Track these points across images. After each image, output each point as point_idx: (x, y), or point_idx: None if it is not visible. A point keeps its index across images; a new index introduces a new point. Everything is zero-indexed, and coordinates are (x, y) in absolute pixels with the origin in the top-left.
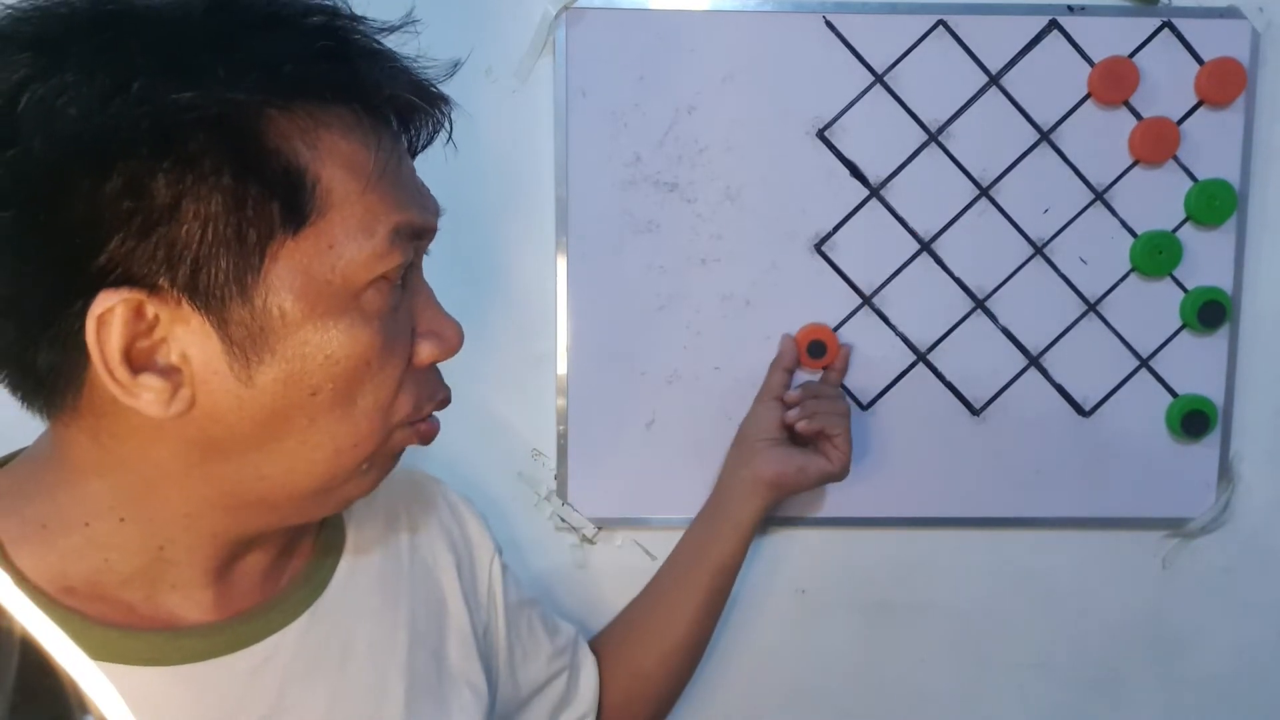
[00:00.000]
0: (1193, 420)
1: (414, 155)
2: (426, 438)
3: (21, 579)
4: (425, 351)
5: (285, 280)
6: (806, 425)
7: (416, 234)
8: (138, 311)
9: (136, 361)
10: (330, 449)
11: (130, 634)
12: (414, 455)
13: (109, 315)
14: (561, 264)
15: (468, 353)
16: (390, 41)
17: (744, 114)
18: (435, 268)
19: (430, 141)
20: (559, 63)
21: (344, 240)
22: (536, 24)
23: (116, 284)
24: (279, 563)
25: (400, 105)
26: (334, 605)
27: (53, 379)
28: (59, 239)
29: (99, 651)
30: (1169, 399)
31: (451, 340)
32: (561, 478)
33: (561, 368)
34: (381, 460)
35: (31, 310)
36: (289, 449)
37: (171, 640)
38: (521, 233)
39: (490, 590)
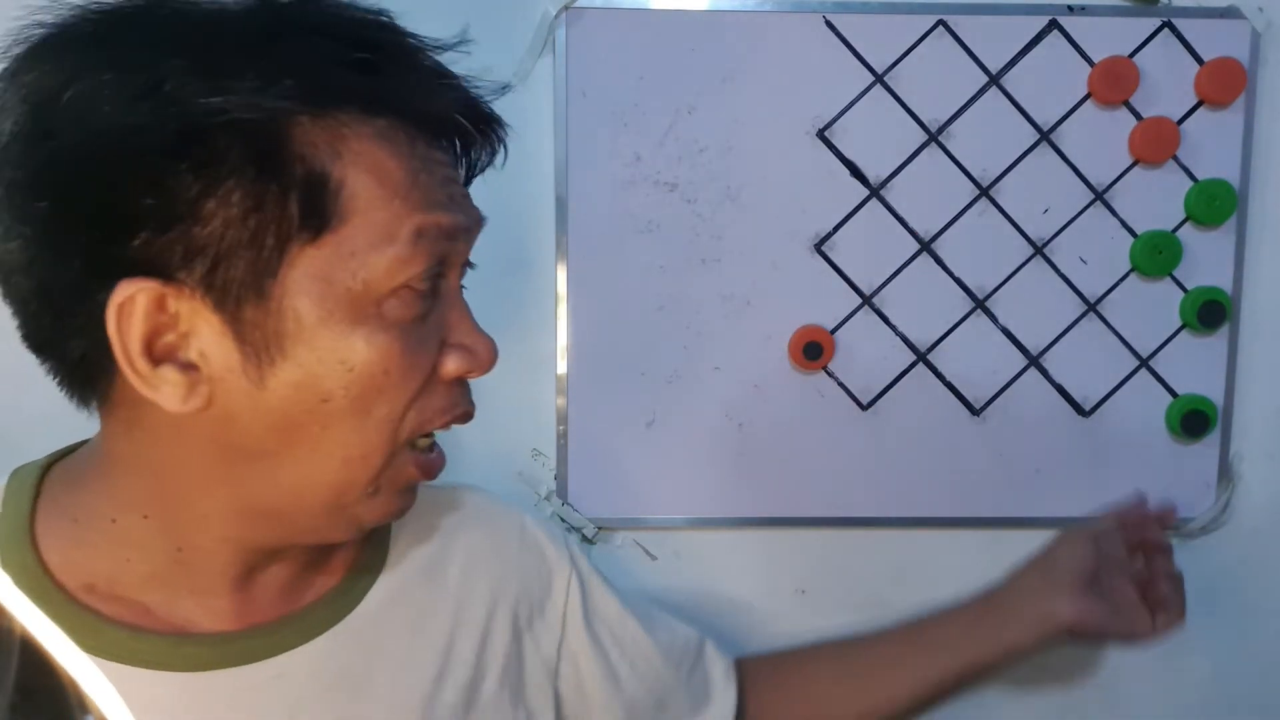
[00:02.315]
0: (1193, 420)
1: (470, 178)
2: (429, 470)
3: (44, 572)
4: (452, 365)
5: (303, 285)
6: (1169, 593)
7: (446, 236)
8: (159, 305)
9: (157, 354)
10: (340, 458)
11: (141, 636)
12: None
13: (130, 305)
14: (561, 264)
15: None
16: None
17: (744, 114)
18: (475, 264)
19: (489, 163)
20: (559, 63)
21: (366, 248)
22: (536, 24)
23: (138, 274)
24: (303, 578)
25: (449, 125)
26: (359, 629)
27: (85, 368)
28: (86, 229)
29: (109, 651)
30: (1169, 399)
31: (482, 356)
32: (561, 478)
33: (561, 368)
34: (389, 485)
35: (63, 298)
36: (301, 456)
37: (181, 646)
38: (521, 233)
39: (567, 612)
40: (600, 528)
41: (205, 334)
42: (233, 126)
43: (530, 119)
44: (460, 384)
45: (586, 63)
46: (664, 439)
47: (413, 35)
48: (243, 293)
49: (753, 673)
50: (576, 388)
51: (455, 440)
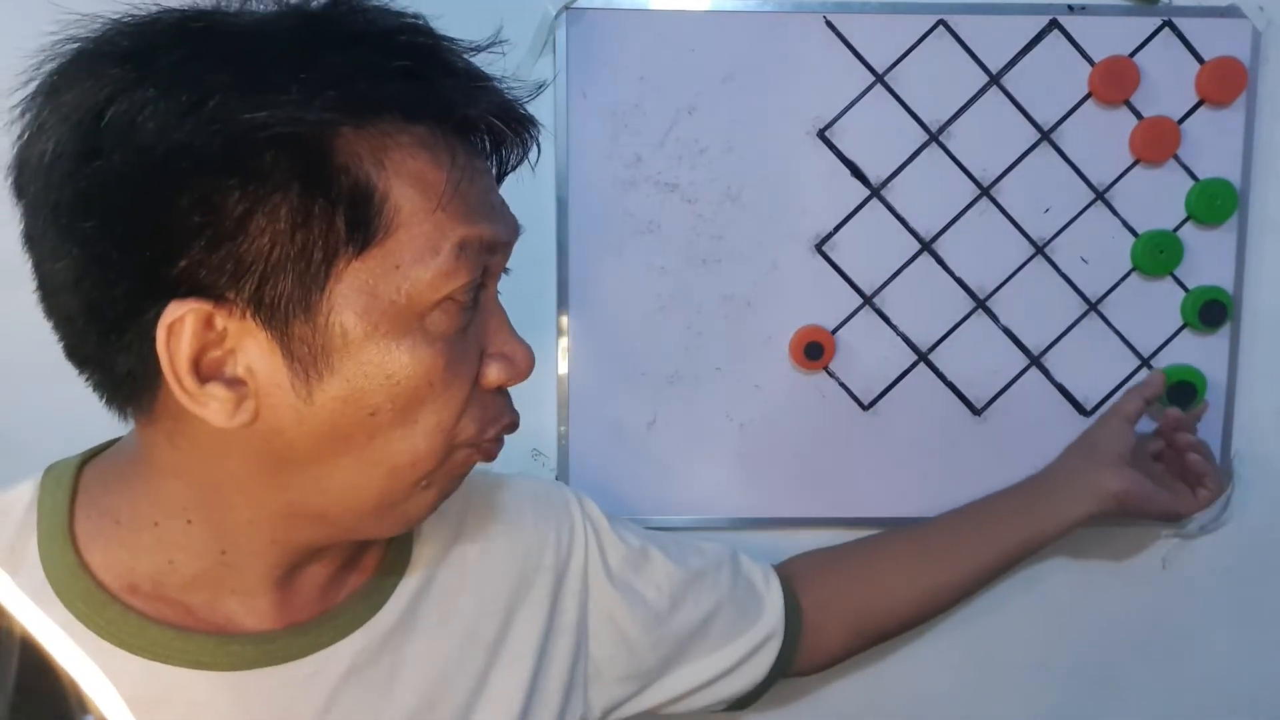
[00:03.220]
0: (1180, 390)
1: (502, 177)
2: (490, 456)
3: (86, 571)
4: (493, 374)
5: (349, 299)
6: (1198, 461)
7: (487, 249)
8: (207, 323)
9: (205, 371)
10: (387, 466)
11: (184, 635)
12: None
13: (179, 325)
14: (561, 264)
15: None
16: (480, 63)
17: (744, 114)
18: (510, 269)
19: (520, 162)
20: (559, 63)
21: (411, 260)
22: (536, 24)
23: (187, 295)
24: (340, 576)
25: (482, 125)
26: (391, 623)
27: (130, 383)
28: (135, 249)
29: (154, 651)
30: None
31: (521, 365)
32: (562, 478)
33: (562, 368)
34: (442, 479)
35: (111, 317)
36: (348, 465)
37: (223, 645)
38: (522, 233)
39: (588, 570)
40: None
41: (252, 350)
42: (278, 140)
43: None
44: (503, 392)
45: (586, 63)
46: (665, 439)
47: (448, 38)
48: (290, 308)
49: (798, 572)
50: (577, 388)
51: None
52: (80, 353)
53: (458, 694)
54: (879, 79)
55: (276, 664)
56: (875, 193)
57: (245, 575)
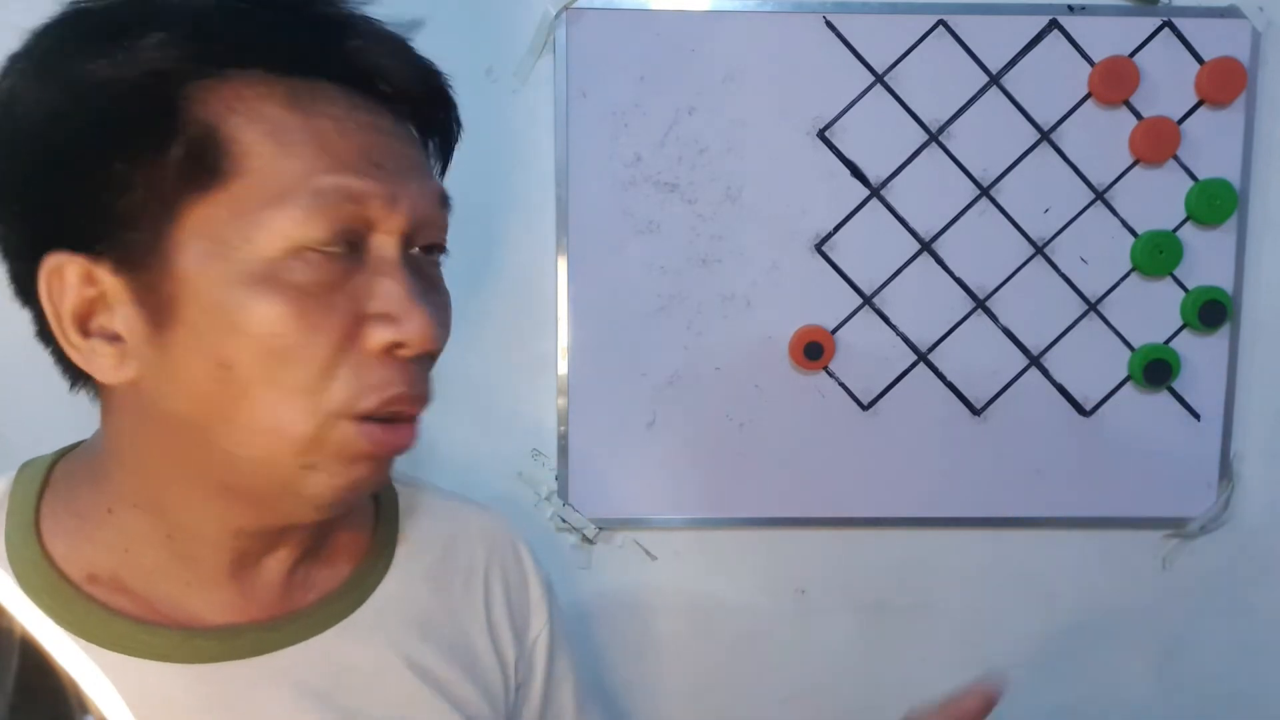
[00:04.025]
0: (1156, 368)
1: (446, 147)
2: (384, 446)
3: (50, 564)
4: (374, 336)
5: (192, 244)
6: None
7: (353, 200)
8: (88, 278)
9: (93, 330)
10: (258, 431)
11: (146, 628)
12: (411, 455)
13: (57, 278)
14: (561, 264)
15: (469, 353)
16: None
17: (744, 114)
18: (446, 250)
19: (446, 129)
20: (559, 63)
21: (259, 206)
22: (536, 24)
23: (63, 248)
24: (304, 572)
25: (354, 70)
26: (365, 627)
27: (55, 349)
28: (16, 211)
29: (113, 643)
30: (1170, 399)
31: (409, 327)
32: (562, 478)
33: (561, 368)
34: (329, 461)
35: (19, 282)
36: (227, 431)
37: (187, 639)
38: (521, 233)
39: (532, 658)
40: (600, 528)
41: (123, 304)
42: (118, 91)
43: (530, 119)
44: (400, 363)
45: (586, 63)
46: (664, 439)
47: None
48: (142, 256)
49: None
50: (577, 388)
51: (456, 440)
52: (37, 328)
53: (432, 708)
54: (879, 79)
55: (243, 658)
56: (875, 193)
57: (196, 564)
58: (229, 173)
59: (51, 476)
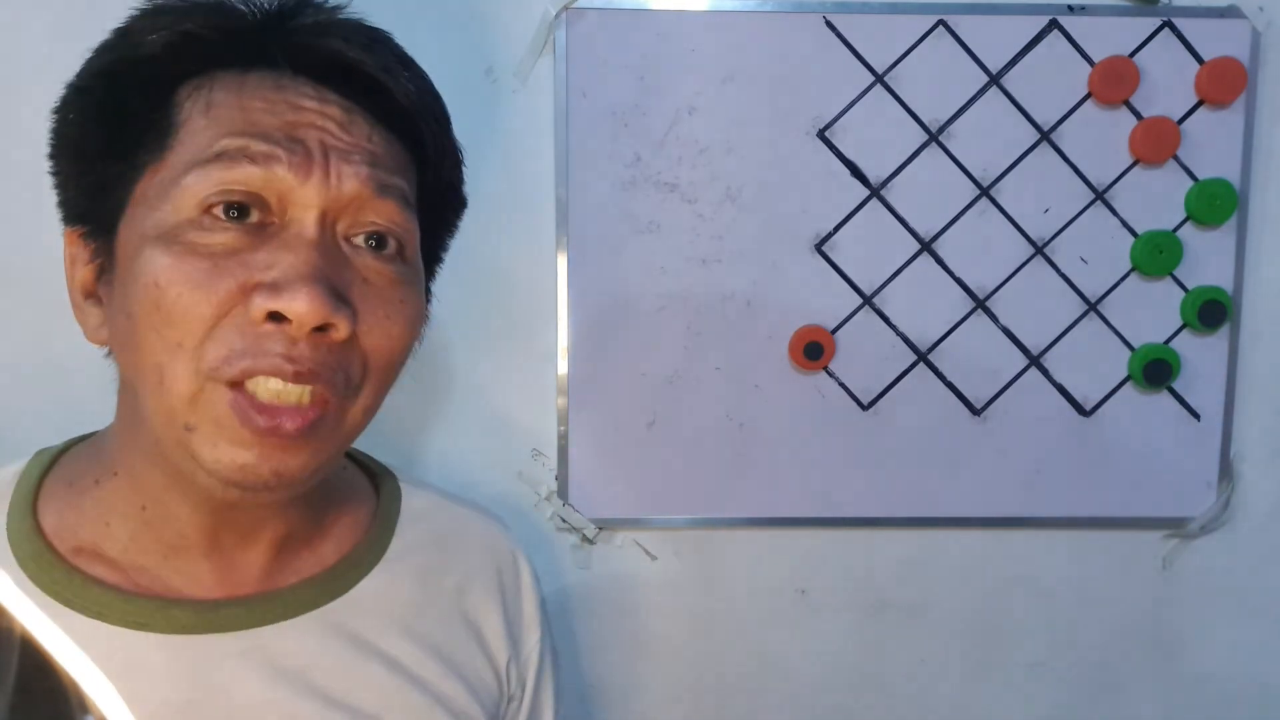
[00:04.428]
0: (1156, 368)
1: (413, 141)
2: (245, 417)
3: (39, 534)
4: (255, 304)
5: (133, 211)
6: None
7: (258, 160)
8: (89, 248)
9: (90, 295)
10: (153, 383)
11: (124, 596)
12: (411, 455)
13: (72, 248)
14: (562, 264)
15: (468, 353)
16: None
17: (744, 114)
18: (386, 241)
19: (418, 131)
20: (559, 63)
21: (181, 169)
22: (536, 24)
23: (76, 223)
24: (287, 556)
25: (308, 62)
26: (346, 616)
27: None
28: (59, 191)
29: (91, 609)
30: (1170, 399)
31: (288, 298)
32: (562, 478)
33: (561, 368)
34: (206, 425)
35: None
36: (138, 384)
37: (164, 609)
38: (521, 233)
39: (525, 673)
40: (600, 528)
41: (91, 268)
42: (104, 79)
43: (530, 119)
44: (284, 334)
45: (586, 63)
46: (664, 439)
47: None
48: (106, 226)
49: None
50: (577, 388)
51: (456, 440)
52: None
53: (417, 707)
54: (879, 79)
55: (218, 632)
56: (875, 193)
57: (168, 534)
58: (170, 147)
59: (62, 458)
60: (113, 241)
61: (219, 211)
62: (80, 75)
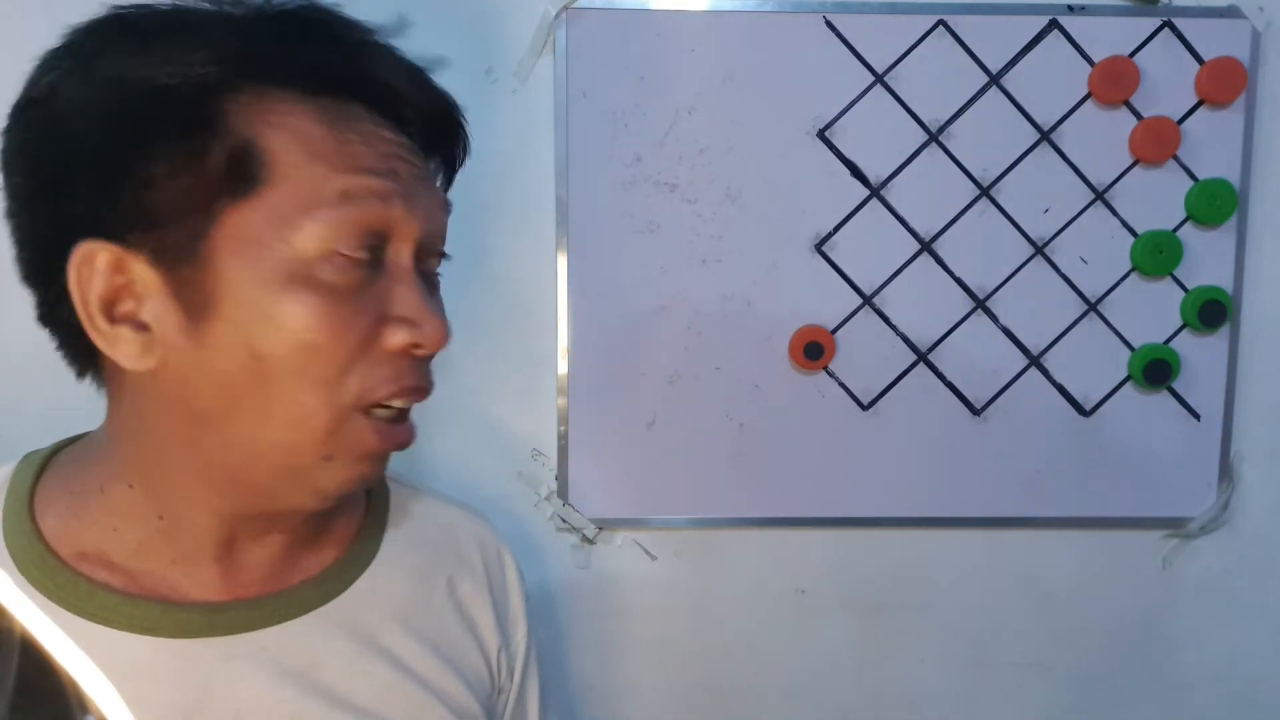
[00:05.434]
0: (1156, 368)
1: (451, 166)
2: (389, 441)
3: (40, 539)
4: (396, 337)
5: (232, 245)
6: None
7: (378, 199)
8: (118, 267)
9: (117, 316)
10: (282, 420)
11: (129, 600)
12: (412, 455)
13: (88, 266)
14: (562, 264)
15: (469, 353)
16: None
17: (744, 114)
18: (449, 255)
19: (454, 148)
20: (559, 63)
21: (294, 211)
22: (536, 24)
23: (96, 237)
24: (292, 556)
25: (390, 98)
26: (346, 614)
27: (74, 338)
28: (49, 197)
29: (101, 615)
30: (1170, 399)
31: (426, 330)
32: (562, 478)
33: (561, 368)
34: (344, 452)
35: (45, 269)
36: (248, 418)
37: (169, 612)
38: (521, 233)
39: (511, 663)
40: (600, 528)
41: (155, 295)
42: (164, 96)
43: (530, 119)
44: (410, 359)
45: (586, 63)
46: (664, 439)
47: (345, 16)
48: (179, 253)
49: None
50: (577, 388)
51: (456, 440)
52: (41, 312)
53: (416, 703)
54: (879, 79)
55: (223, 634)
56: (875, 193)
57: (184, 542)
58: (265, 181)
59: (52, 461)
60: (189, 272)
61: (347, 249)
62: (115, 80)
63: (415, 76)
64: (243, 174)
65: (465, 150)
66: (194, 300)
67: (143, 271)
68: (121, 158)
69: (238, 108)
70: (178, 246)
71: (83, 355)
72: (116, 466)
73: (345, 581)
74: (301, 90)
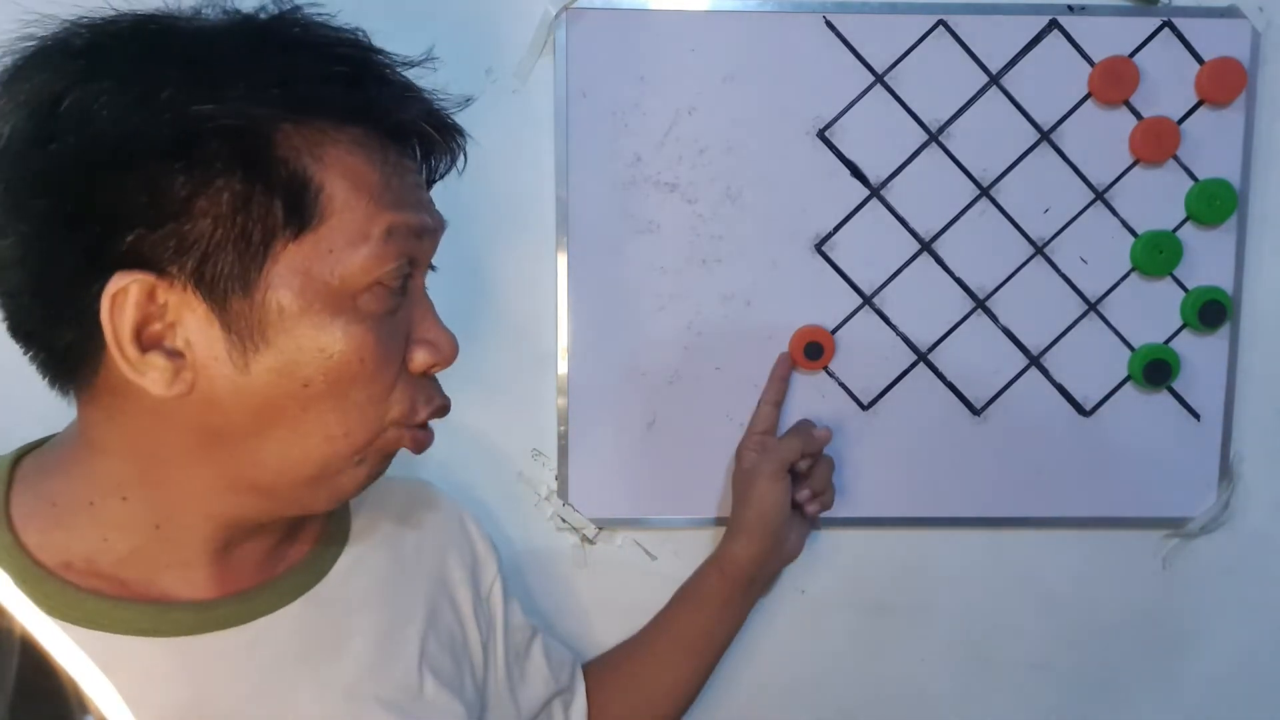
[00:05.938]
0: (1156, 369)
1: (431, 182)
2: (420, 445)
3: (23, 551)
4: (420, 358)
5: (285, 279)
6: (816, 509)
7: (414, 234)
8: (150, 295)
9: (146, 342)
10: (321, 436)
11: (121, 604)
12: (412, 455)
13: (122, 296)
14: (562, 264)
15: (469, 353)
16: (414, 76)
17: (744, 114)
18: (436, 267)
19: (448, 169)
20: (559, 63)
21: (343, 245)
22: (536, 24)
23: (131, 268)
24: (279, 549)
25: (412, 130)
26: (329, 596)
27: (73, 356)
28: (83, 226)
29: (88, 620)
30: (1170, 399)
31: (445, 350)
32: (562, 478)
33: (561, 368)
34: (374, 456)
35: (57, 291)
36: (282, 436)
37: (163, 613)
38: (521, 233)
39: (490, 610)
40: (600, 528)
41: (192, 323)
42: (223, 131)
43: (530, 119)
44: (431, 378)
45: (586, 63)
46: (665, 439)
47: (383, 51)
48: (230, 285)
49: (591, 676)
50: (577, 388)
51: (456, 440)
52: (24, 328)
53: (402, 670)
54: (879, 79)
55: (217, 630)
56: (875, 193)
57: (180, 549)
58: (319, 217)
59: (19, 471)
60: (241, 305)
61: (388, 280)
62: (163, 109)
63: (434, 112)
64: (300, 211)
65: (459, 171)
66: (243, 330)
67: (180, 300)
68: (170, 190)
69: (288, 141)
70: (227, 278)
71: (72, 374)
72: (109, 481)
73: (325, 565)
74: (339, 122)
